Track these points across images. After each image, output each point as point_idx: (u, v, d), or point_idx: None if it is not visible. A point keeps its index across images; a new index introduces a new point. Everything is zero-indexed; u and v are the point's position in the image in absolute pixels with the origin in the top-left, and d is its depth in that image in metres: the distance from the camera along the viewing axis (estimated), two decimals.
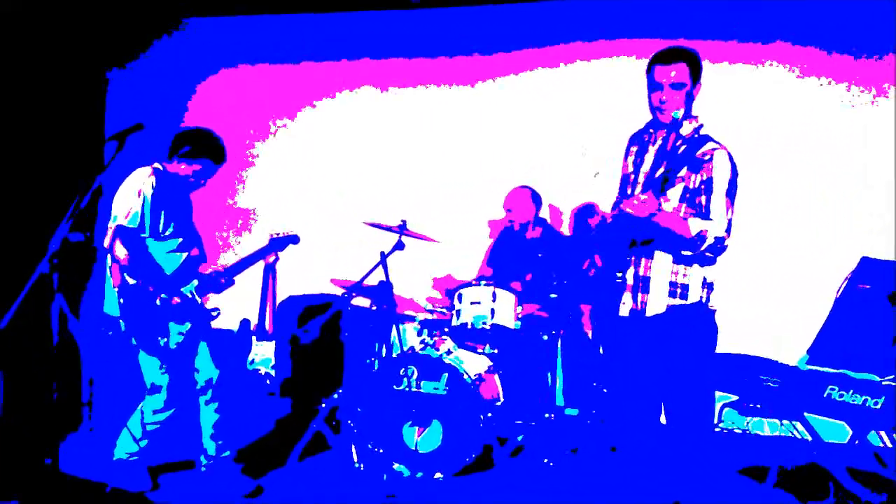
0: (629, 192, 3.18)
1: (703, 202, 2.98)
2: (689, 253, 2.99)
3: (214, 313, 4.05)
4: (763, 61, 5.40)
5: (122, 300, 3.82)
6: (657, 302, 3.04)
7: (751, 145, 5.10)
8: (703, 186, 2.99)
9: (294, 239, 4.43)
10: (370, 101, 6.38)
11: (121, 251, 3.75)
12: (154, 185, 3.91)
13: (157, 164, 4.06)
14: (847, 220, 5.13)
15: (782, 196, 5.25)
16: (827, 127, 5.24)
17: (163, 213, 3.94)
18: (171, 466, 4.21)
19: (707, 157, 2.99)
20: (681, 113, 3.04)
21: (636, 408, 3.17)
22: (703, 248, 2.93)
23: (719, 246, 2.96)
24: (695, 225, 2.91)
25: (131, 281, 3.79)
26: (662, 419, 3.16)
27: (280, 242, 4.38)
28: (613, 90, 5.49)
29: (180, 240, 4.03)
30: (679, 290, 3.03)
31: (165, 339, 3.84)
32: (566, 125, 5.77)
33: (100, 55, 6.60)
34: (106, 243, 3.82)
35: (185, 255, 4.02)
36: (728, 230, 2.97)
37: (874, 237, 4.95)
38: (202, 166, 4.09)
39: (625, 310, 3.12)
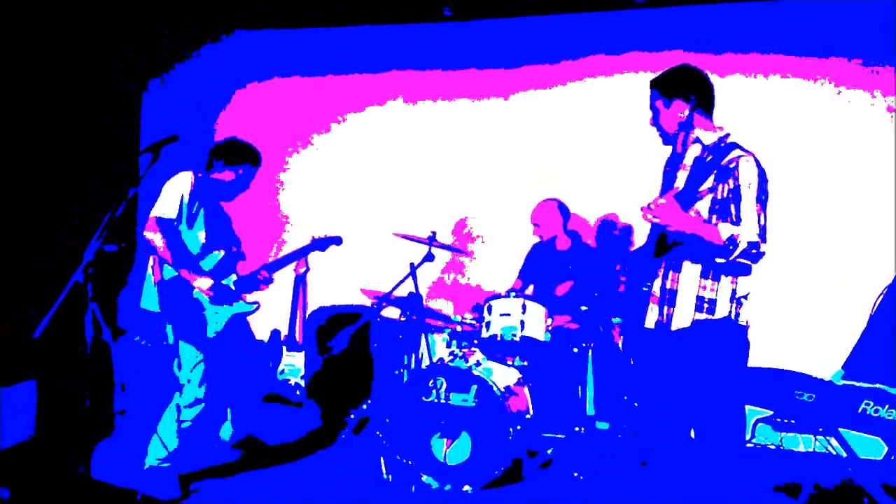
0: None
1: (734, 210, 2.94)
2: (722, 261, 2.92)
3: (253, 307, 4.19)
4: (796, 73, 5.37)
5: (161, 294, 4.00)
6: (683, 316, 3.00)
7: (782, 156, 5.09)
8: (731, 195, 2.96)
9: (336, 240, 4.62)
10: (401, 113, 6.43)
11: (159, 241, 3.97)
12: (194, 186, 4.14)
13: (199, 173, 4.27)
14: (884, 232, 5.05)
15: (818, 208, 5.20)
16: (863, 139, 5.18)
17: (202, 213, 4.17)
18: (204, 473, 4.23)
19: (733, 165, 2.95)
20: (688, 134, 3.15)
21: (664, 422, 3.14)
22: (736, 254, 2.87)
23: (754, 252, 2.88)
24: (725, 230, 2.86)
25: (170, 273, 3.97)
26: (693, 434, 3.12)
27: (322, 243, 4.59)
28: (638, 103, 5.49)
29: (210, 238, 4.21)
30: (706, 305, 2.98)
31: (203, 330, 4.00)
32: (594, 137, 5.76)
33: (136, 68, 6.71)
34: (147, 235, 4.02)
35: (222, 252, 4.19)
36: (763, 236, 2.90)
37: None
38: (243, 170, 4.33)
39: (650, 322, 3.09)
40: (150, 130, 6.90)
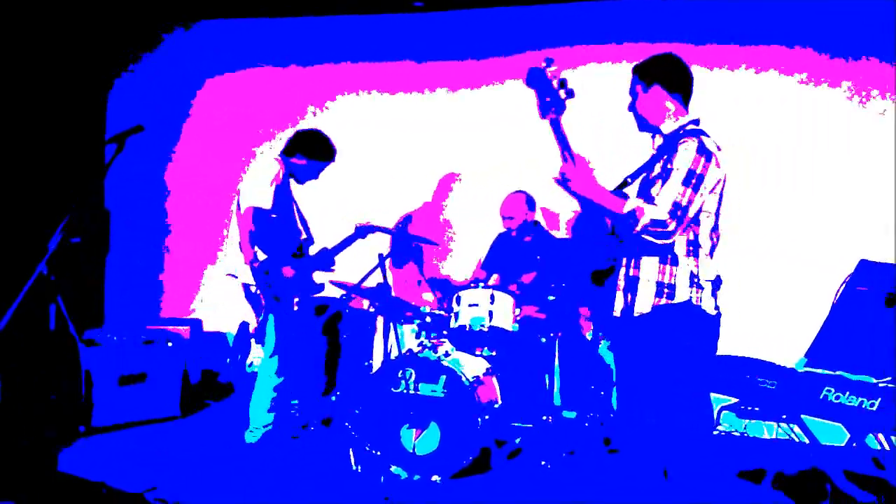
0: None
1: (658, 189, 2.95)
2: (616, 232, 3.00)
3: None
4: (760, 64, 5.42)
5: (255, 275, 4.49)
6: (644, 301, 3.03)
7: (747, 147, 5.14)
8: (661, 176, 2.98)
9: (380, 229, 4.95)
10: (372, 104, 6.42)
11: (253, 229, 4.42)
12: (282, 175, 4.61)
13: (279, 157, 4.71)
14: (846, 222, 5.12)
15: (781, 198, 5.26)
16: (824, 129, 5.25)
17: (284, 199, 4.65)
18: None
19: (674, 149, 2.97)
20: (659, 117, 3.12)
21: (631, 408, 3.16)
22: (637, 229, 2.87)
23: (660, 230, 2.87)
24: (630, 204, 2.88)
25: (262, 256, 4.45)
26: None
27: (364, 230, 4.88)
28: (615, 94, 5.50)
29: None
30: (666, 290, 3.01)
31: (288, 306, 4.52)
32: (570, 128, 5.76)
33: (101, 58, 6.64)
34: (239, 223, 4.51)
35: (304, 235, 4.80)
36: (678, 217, 2.87)
37: (873, 240, 4.95)
38: (318, 161, 4.76)
39: (617, 310, 3.12)
40: (116, 121, 6.84)
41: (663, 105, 3.12)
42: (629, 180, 3.12)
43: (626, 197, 2.99)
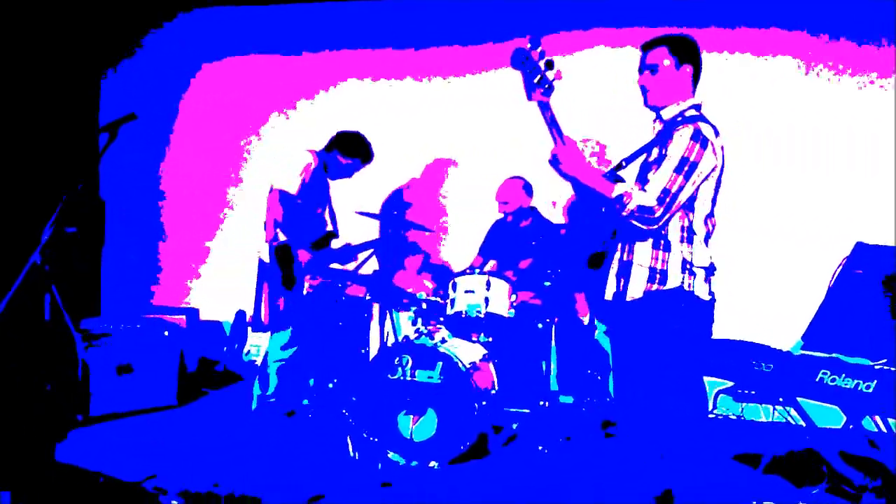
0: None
1: (652, 175, 2.93)
2: (603, 210, 2.98)
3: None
4: (756, 49, 5.40)
5: (271, 253, 4.76)
6: (636, 287, 3.02)
7: (745, 132, 5.12)
8: (655, 162, 2.95)
9: (371, 215, 5.30)
10: (365, 91, 6.39)
11: (277, 211, 4.68)
12: (314, 167, 4.87)
13: (313, 150, 4.96)
14: (843, 205, 5.12)
15: (778, 182, 5.25)
16: (819, 112, 5.23)
17: (315, 191, 4.92)
18: None
19: (670, 136, 2.94)
20: (671, 98, 3.04)
21: (625, 392, 3.16)
22: (624, 213, 2.85)
23: (647, 216, 2.84)
24: (619, 188, 2.85)
25: (282, 237, 4.69)
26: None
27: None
28: (611, 80, 5.48)
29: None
30: (658, 276, 2.99)
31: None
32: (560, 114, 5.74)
33: (94, 50, 6.61)
34: (269, 205, 4.74)
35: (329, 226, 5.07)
36: (666, 203, 2.85)
37: (870, 222, 4.95)
38: (352, 161, 5.02)
39: (609, 294, 3.11)
40: (111, 109, 6.80)
41: (682, 86, 3.06)
42: (623, 163, 3.10)
43: (619, 180, 2.98)
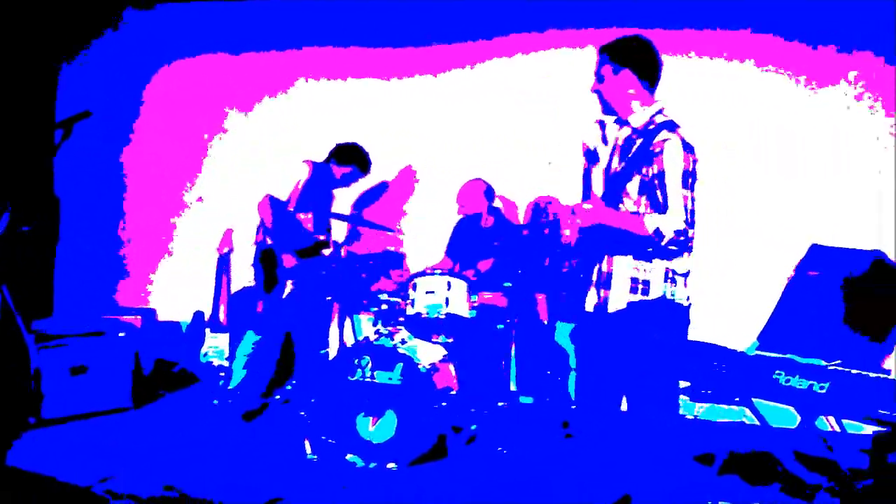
0: (591, 185, 3.18)
1: (661, 197, 2.95)
2: (651, 250, 2.97)
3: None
4: (717, 50, 5.44)
5: (256, 254, 5.01)
6: (618, 298, 3.02)
7: (701, 133, 5.16)
8: (656, 181, 2.96)
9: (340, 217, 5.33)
10: (329, 90, 6.34)
11: (267, 216, 4.87)
12: (310, 176, 5.02)
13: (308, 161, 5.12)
14: (799, 206, 5.18)
15: (734, 184, 5.29)
16: (779, 115, 5.29)
17: (310, 199, 5.05)
18: None
19: (658, 150, 2.95)
20: (623, 104, 3.08)
21: (598, 400, 3.16)
22: (664, 243, 2.90)
23: (682, 239, 2.90)
24: (650, 222, 2.88)
25: (269, 241, 4.92)
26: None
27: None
28: (576, 80, 5.49)
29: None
30: (641, 287, 3.01)
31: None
32: (523, 116, 5.76)
33: (51, 42, 6.49)
34: (258, 210, 4.91)
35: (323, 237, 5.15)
36: (689, 222, 2.91)
37: (826, 223, 5.01)
38: (350, 170, 5.29)
39: (590, 305, 3.11)
40: (67, 106, 6.68)
41: (630, 90, 3.08)
42: (629, 178, 3.04)
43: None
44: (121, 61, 6.75)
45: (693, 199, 2.95)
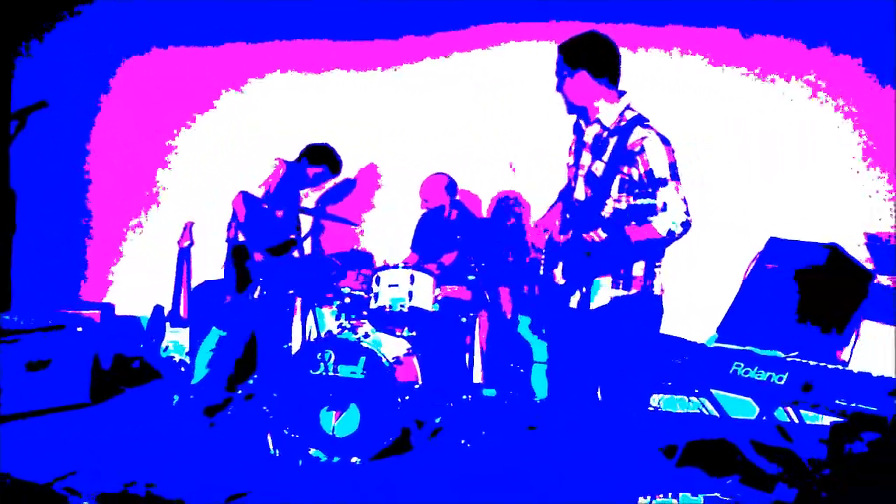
0: (573, 185, 3.17)
1: (659, 199, 2.95)
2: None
3: None
4: (673, 46, 5.48)
5: (228, 250, 5.05)
6: (601, 294, 3.03)
7: (665, 127, 5.20)
8: (646, 179, 2.94)
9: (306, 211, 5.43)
10: (296, 83, 6.29)
11: (240, 212, 4.84)
12: (282, 175, 5.00)
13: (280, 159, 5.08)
14: (758, 198, 5.24)
15: (693, 178, 5.33)
16: (739, 110, 5.34)
17: (281, 198, 5.05)
18: None
19: (638, 149, 2.95)
20: (587, 102, 3.09)
21: (575, 393, 3.17)
22: (677, 236, 2.94)
23: (689, 227, 2.97)
24: (661, 224, 2.91)
25: (241, 238, 4.95)
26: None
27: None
28: (539, 75, 5.50)
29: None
30: (622, 282, 3.03)
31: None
32: (490, 110, 5.77)
33: (5, 34, 6.37)
34: (233, 205, 4.88)
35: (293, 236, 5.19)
36: (686, 210, 2.96)
37: (784, 216, 5.07)
38: (321, 169, 5.30)
39: (574, 302, 3.10)
40: (23, 97, 6.56)
41: (589, 90, 3.08)
42: (609, 179, 3.05)
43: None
44: (83, 53, 6.64)
45: (681, 187, 2.97)
